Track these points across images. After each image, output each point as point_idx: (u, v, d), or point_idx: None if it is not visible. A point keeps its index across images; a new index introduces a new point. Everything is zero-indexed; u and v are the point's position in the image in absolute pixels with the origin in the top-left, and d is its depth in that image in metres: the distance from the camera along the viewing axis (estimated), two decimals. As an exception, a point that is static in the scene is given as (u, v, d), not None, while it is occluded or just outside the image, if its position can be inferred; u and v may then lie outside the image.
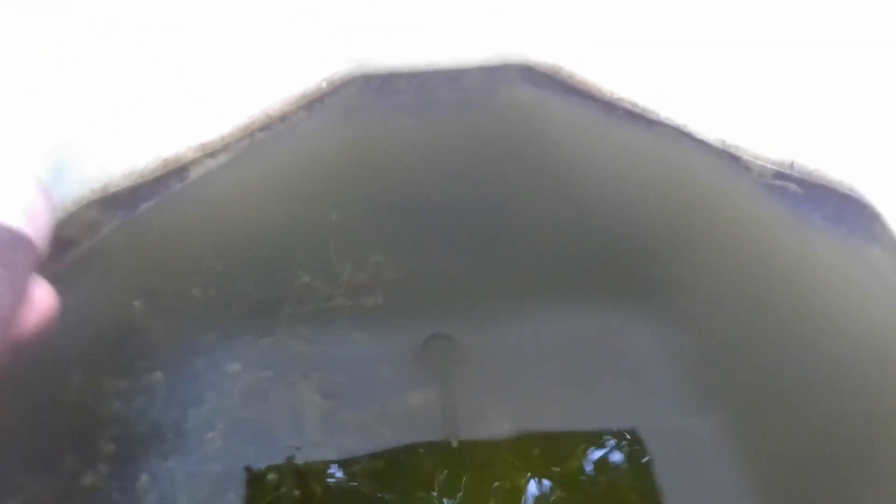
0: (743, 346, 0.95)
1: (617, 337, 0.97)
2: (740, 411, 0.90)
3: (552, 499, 0.82)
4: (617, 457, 0.85)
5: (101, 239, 0.96)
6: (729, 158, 1.09)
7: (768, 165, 1.07)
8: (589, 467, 0.84)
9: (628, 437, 0.87)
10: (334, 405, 0.85)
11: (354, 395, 0.86)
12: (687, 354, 0.95)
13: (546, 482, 0.83)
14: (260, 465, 0.81)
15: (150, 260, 0.96)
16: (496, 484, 0.83)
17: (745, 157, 1.08)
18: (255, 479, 0.80)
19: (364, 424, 0.85)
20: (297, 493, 0.80)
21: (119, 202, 0.99)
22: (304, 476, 0.81)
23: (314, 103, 1.14)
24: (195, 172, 1.04)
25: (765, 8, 1.04)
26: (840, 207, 1.03)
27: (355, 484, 0.81)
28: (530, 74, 1.20)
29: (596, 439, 0.87)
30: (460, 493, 0.82)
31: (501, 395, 0.91)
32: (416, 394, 0.89)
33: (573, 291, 1.01)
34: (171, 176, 1.03)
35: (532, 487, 0.83)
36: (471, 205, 1.08)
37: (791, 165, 1.06)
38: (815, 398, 0.90)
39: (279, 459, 0.82)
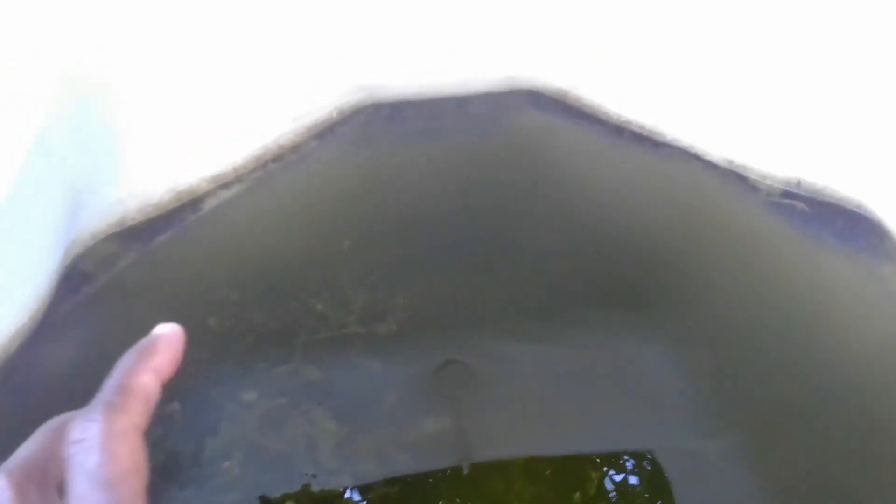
0: (755, 365, 0.95)
1: (629, 359, 0.97)
2: (754, 431, 0.90)
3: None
4: (631, 479, 0.85)
5: (119, 271, 0.98)
6: (736, 178, 1.09)
7: (776, 185, 1.07)
8: (602, 490, 0.84)
9: (642, 458, 0.87)
10: (349, 432, 0.86)
11: (369, 422, 0.87)
12: (700, 375, 0.95)
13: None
14: (276, 492, 0.82)
15: (166, 290, 0.98)
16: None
17: (753, 176, 1.08)
18: (271, 507, 0.81)
19: (379, 450, 0.85)
20: (313, 520, 0.80)
21: (135, 235, 1.01)
22: (320, 502, 0.81)
23: (325, 133, 1.16)
24: (209, 204, 1.06)
25: (767, 29, 1.05)
26: (849, 225, 1.04)
27: (371, 510, 0.82)
28: (537, 99, 1.22)
29: (609, 462, 0.87)
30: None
31: (515, 419, 0.91)
32: (431, 419, 0.89)
33: (585, 314, 1.01)
34: (186, 208, 1.05)
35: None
36: (482, 230, 1.09)
37: (798, 184, 1.06)
38: (827, 416, 0.90)
39: (295, 487, 0.82)
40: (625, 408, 0.92)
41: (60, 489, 0.25)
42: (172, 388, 0.85)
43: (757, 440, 0.89)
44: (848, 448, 0.87)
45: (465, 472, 0.84)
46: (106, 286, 0.97)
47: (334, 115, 1.17)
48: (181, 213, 1.04)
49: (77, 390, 0.90)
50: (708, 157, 1.11)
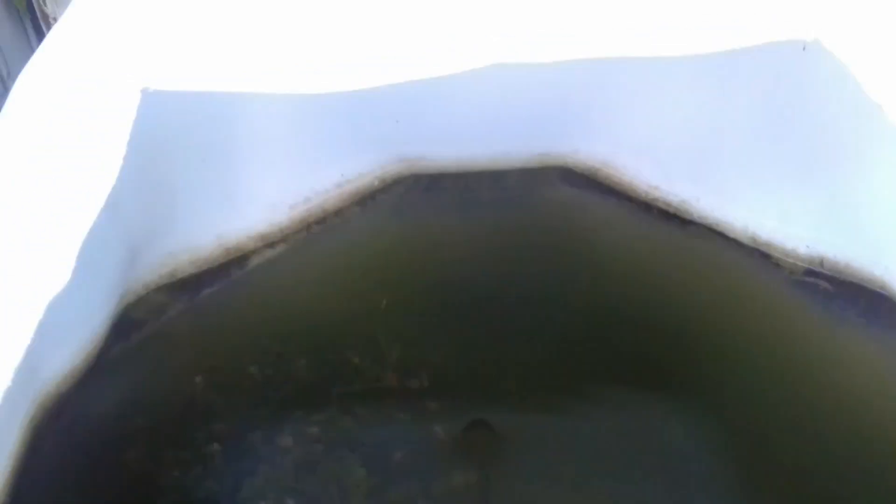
0: (780, 440, 0.96)
1: (654, 431, 0.99)
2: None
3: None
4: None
5: (167, 320, 1.03)
6: (760, 256, 1.13)
7: (799, 263, 1.11)
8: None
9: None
10: (379, 481, 0.89)
11: (399, 473, 0.90)
12: (727, 450, 0.97)
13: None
14: (309, 533, 0.84)
15: (211, 340, 1.02)
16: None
17: (776, 254, 1.12)
18: (303, 546, 0.83)
19: (407, 501, 0.88)
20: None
21: (185, 287, 1.07)
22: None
23: (367, 200, 1.22)
24: (255, 261, 1.12)
25: (792, 108, 1.10)
26: (873, 305, 1.06)
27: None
28: (569, 176, 1.27)
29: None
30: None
31: (539, 486, 0.93)
32: (457, 475, 0.92)
33: (610, 385, 1.03)
34: (233, 264, 1.11)
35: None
36: (512, 298, 1.13)
37: (821, 263, 1.09)
38: (852, 492, 0.91)
39: (327, 530, 0.85)
40: (651, 482, 0.94)
41: None
42: (213, 431, 0.89)
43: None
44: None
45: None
46: (154, 334, 1.02)
47: (376, 183, 1.23)
48: (228, 268, 1.10)
49: (123, 429, 0.94)
50: (733, 235, 1.15)
